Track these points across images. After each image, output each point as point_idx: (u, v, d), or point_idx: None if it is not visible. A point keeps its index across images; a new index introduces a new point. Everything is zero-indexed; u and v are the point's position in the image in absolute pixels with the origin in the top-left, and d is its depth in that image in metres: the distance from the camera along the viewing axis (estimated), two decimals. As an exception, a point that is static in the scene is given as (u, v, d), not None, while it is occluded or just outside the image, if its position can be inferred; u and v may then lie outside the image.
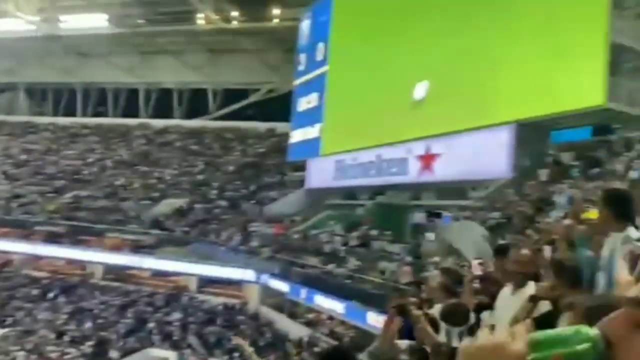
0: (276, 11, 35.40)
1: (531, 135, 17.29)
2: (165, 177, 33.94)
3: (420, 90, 19.99)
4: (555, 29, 15.44)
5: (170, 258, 25.73)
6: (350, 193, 26.49)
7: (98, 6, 38.78)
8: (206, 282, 24.47)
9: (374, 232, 20.40)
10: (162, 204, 30.85)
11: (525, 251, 4.55)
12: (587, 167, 15.14)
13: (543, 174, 16.41)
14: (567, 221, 5.48)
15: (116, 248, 27.19)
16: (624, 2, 15.50)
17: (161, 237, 27.92)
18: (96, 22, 39.01)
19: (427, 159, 20.44)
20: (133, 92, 42.63)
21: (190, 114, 40.83)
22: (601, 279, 3.27)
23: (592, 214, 7.02)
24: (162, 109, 41.12)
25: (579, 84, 14.81)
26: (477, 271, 4.93)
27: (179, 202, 30.95)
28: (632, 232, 3.24)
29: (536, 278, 3.95)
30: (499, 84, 16.92)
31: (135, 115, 41.54)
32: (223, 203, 30.36)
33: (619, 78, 14.87)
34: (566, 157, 16.52)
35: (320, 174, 27.09)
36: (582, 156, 15.89)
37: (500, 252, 4.80)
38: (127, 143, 38.62)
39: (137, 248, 27.09)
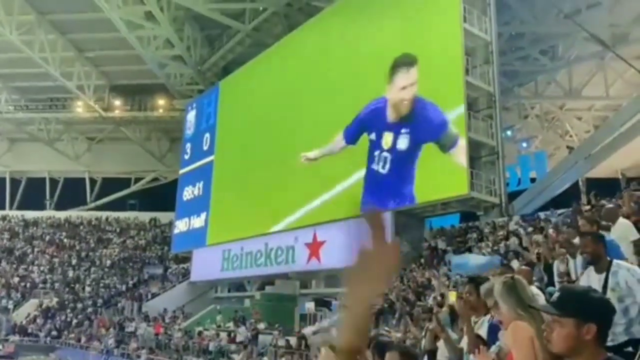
0: (161, 101, 35.27)
1: (409, 223, 18.40)
2: (32, 274, 30.61)
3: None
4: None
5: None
6: (239, 284, 25.68)
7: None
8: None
9: (262, 326, 19.70)
10: (26, 306, 27.55)
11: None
12: (458, 251, 16.18)
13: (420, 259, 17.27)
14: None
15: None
16: (477, 104, 17.62)
17: (22, 344, 24.59)
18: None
19: (315, 247, 20.67)
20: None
21: (63, 205, 38.05)
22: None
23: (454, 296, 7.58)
24: (32, 199, 38.01)
25: (446, 177, 16.33)
26: None
27: (46, 302, 27.87)
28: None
29: None
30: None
31: (-1, 207, 37.99)
32: (97, 301, 27.84)
33: (478, 170, 16.57)
34: (440, 243, 17.61)
35: (207, 265, 26.11)
36: (453, 241, 17.04)
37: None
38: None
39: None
